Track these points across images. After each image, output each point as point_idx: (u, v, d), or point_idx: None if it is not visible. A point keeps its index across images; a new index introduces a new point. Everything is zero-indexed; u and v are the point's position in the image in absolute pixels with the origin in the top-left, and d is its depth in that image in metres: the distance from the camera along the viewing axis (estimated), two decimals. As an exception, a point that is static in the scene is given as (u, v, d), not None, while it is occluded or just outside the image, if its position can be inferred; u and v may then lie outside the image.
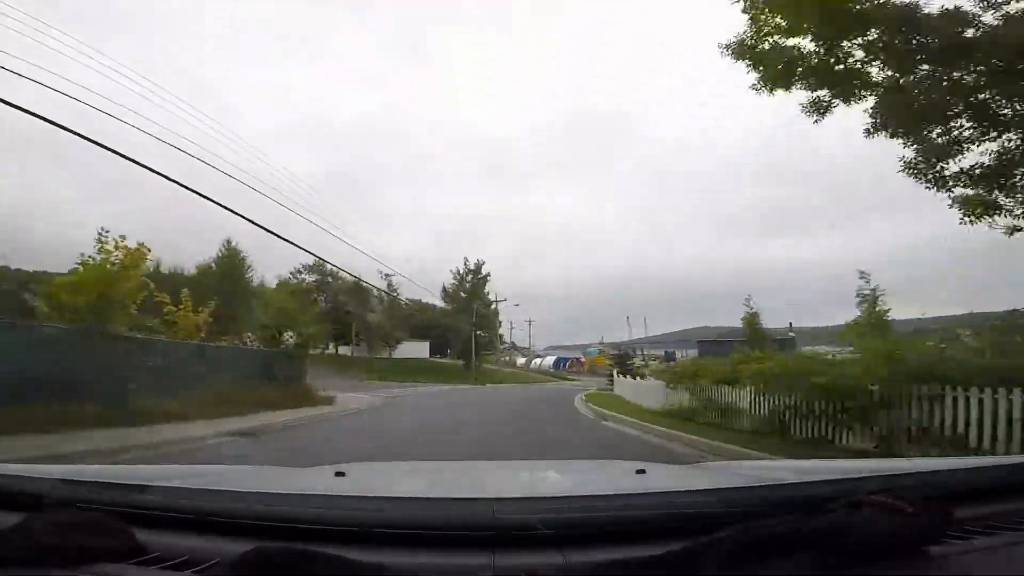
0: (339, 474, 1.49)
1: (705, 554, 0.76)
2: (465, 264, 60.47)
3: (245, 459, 6.35)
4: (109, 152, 11.32)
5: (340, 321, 47.60)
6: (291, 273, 47.85)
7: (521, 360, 79.14)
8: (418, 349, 59.30)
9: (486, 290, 59.56)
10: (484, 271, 59.46)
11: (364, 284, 45.43)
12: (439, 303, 60.66)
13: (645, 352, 78.08)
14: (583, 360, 79.67)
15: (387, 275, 45.20)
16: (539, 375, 63.31)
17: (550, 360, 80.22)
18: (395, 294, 50.01)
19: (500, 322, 62.34)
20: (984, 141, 7.36)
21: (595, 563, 0.80)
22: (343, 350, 53.53)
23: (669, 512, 1.00)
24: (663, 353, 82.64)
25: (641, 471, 1.58)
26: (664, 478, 1.69)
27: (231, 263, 36.94)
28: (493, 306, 58.79)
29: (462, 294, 58.10)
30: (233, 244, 37.67)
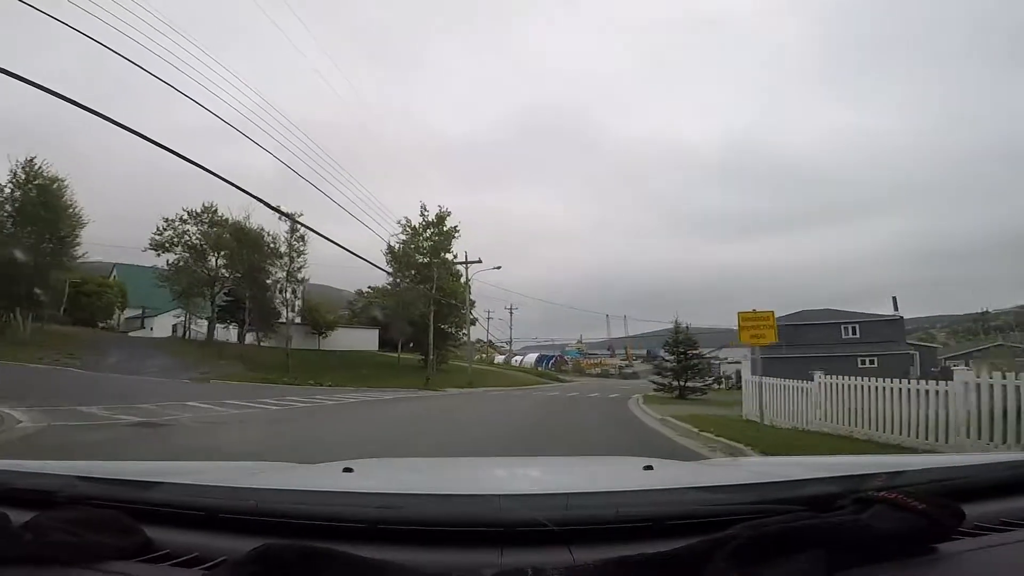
0: (347, 470, 1.46)
1: (714, 551, 0.74)
2: (423, 213, 39.47)
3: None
4: None
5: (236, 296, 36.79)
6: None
7: (499, 358, 73.68)
8: (363, 339, 45.80)
9: (452, 253, 38.51)
10: (451, 222, 42.76)
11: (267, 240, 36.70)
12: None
13: (627, 350, 76.94)
14: (567, 359, 75.98)
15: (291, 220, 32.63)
16: (524, 374, 54.40)
17: (532, 358, 74.67)
18: (299, 248, 37.01)
19: (472, 301, 41.52)
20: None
21: (603, 560, 0.78)
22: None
23: (677, 509, 0.99)
24: (646, 352, 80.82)
25: (649, 467, 1.54)
26: (672, 474, 1.65)
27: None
28: (465, 279, 37.13)
29: (419, 256, 37.46)
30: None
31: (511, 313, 63.76)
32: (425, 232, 39.27)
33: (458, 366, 38.21)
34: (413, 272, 38.55)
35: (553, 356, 75.82)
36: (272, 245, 33.74)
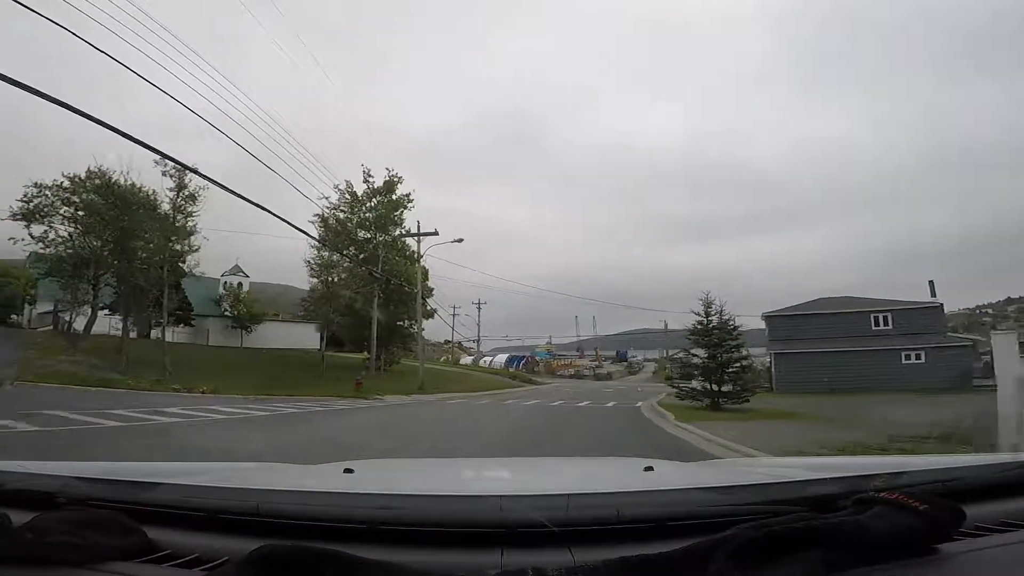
0: (348, 471, 1.49)
1: (715, 552, 0.77)
2: (366, 178, 30.08)
3: None
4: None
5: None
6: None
7: (467, 359, 69.77)
8: (304, 337, 38.42)
9: (403, 227, 28.99)
10: (402, 191, 30.29)
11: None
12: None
13: (597, 351, 75.64)
14: (538, 360, 72.43)
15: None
16: (493, 376, 48.21)
17: (502, 359, 70.62)
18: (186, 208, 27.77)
19: (430, 288, 32.58)
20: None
21: (603, 561, 0.81)
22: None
23: (678, 510, 1.03)
24: (616, 353, 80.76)
25: (649, 468, 1.57)
26: (672, 475, 1.69)
27: None
28: (417, 255, 27.53)
29: (361, 232, 28.00)
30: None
31: (479, 309, 55.25)
32: (369, 202, 30.04)
33: (415, 367, 33.11)
34: (353, 251, 29.26)
35: (524, 357, 72.57)
36: (160, 208, 26.97)
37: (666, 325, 74.72)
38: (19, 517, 0.87)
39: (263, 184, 20.95)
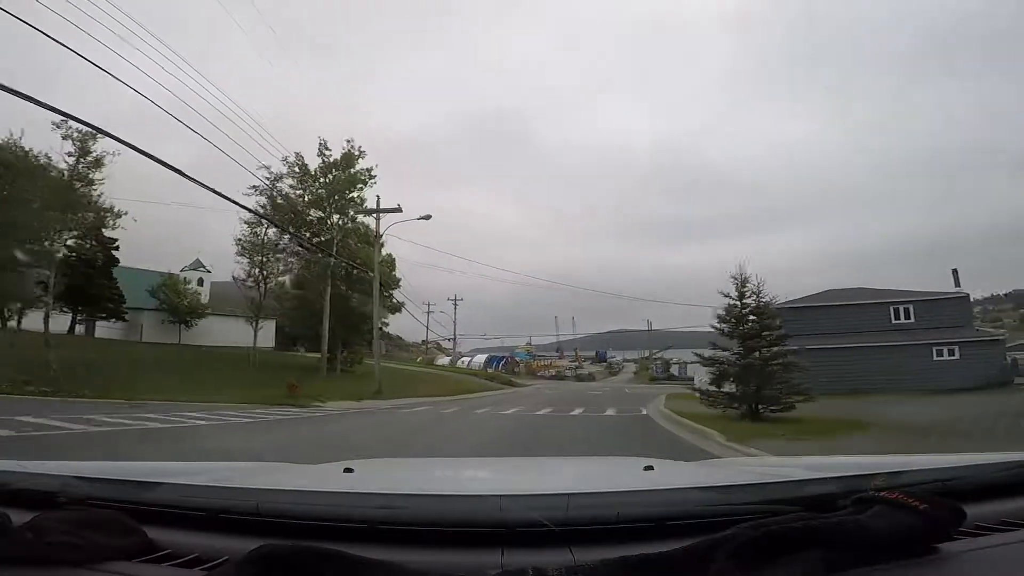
0: (348, 470, 1.47)
1: (714, 552, 0.78)
2: (321, 151, 24.67)
3: None
4: None
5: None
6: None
7: (444, 359, 66.21)
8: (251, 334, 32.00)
9: (360, 204, 23.68)
10: (363, 163, 24.96)
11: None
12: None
13: (577, 352, 74.55)
14: (518, 360, 69.66)
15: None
16: (471, 377, 43.39)
17: (480, 359, 68.23)
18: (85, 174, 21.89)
19: (398, 280, 27.55)
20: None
21: (603, 561, 0.82)
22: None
23: (677, 509, 1.04)
24: (595, 353, 79.10)
25: (649, 467, 1.56)
26: (672, 475, 1.69)
27: None
28: (376, 235, 22.27)
29: (314, 212, 22.67)
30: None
31: (455, 305, 50.77)
32: (324, 177, 25.20)
33: (384, 368, 28.84)
34: (307, 234, 24.48)
35: (504, 357, 70.47)
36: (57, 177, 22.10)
37: (650, 324, 71.66)
38: (19, 517, 0.88)
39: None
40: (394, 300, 34.29)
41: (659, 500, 1.11)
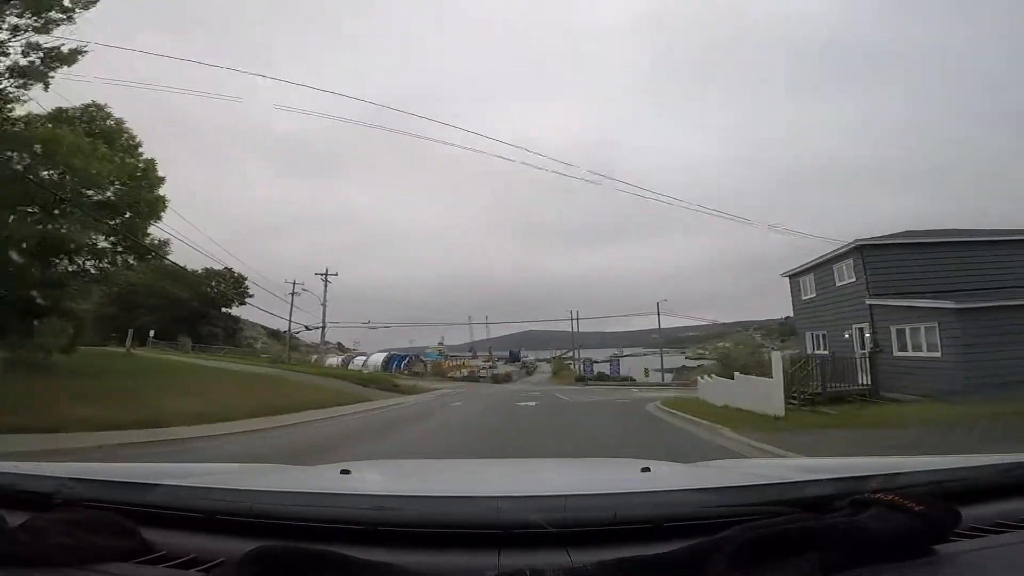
0: (344, 472, 1.43)
1: (711, 553, 0.78)
2: None
3: None
4: None
5: None
6: None
7: (335, 359, 56.73)
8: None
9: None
10: None
11: None
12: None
13: (490, 351, 71.96)
14: (425, 360, 64.06)
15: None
16: (341, 380, 28.58)
17: (378, 358, 58.38)
18: None
19: (161, 201, 12.27)
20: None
21: (600, 562, 0.81)
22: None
23: (675, 511, 1.03)
24: (508, 353, 78.36)
25: (646, 469, 1.54)
26: (669, 476, 1.66)
27: None
28: None
29: None
30: None
31: (326, 282, 37.46)
32: None
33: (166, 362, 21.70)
34: None
35: (406, 357, 64.13)
36: None
37: (576, 318, 63.16)
38: (14, 518, 0.87)
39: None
40: (151, 239, 18.24)
41: (656, 502, 1.09)
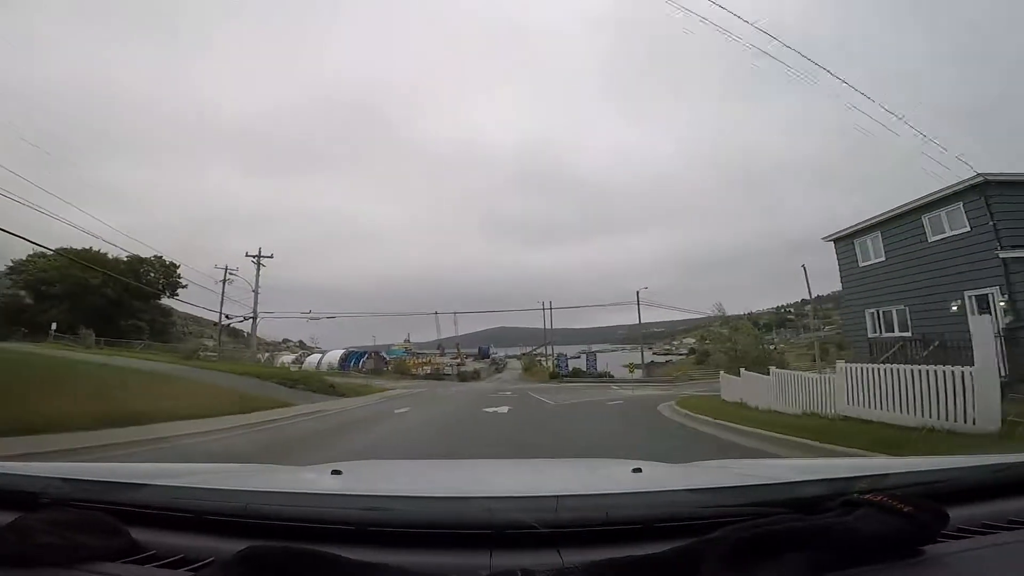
0: (335, 472, 1.40)
1: (702, 554, 0.77)
2: None
3: None
4: None
5: None
6: None
7: (286, 357, 53.08)
8: None
9: None
10: None
11: None
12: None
13: (458, 348, 68.31)
14: (387, 357, 59.67)
15: None
16: (258, 385, 19.91)
17: (336, 356, 53.69)
18: None
19: None
20: None
21: (591, 563, 0.80)
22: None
23: (666, 511, 1.02)
24: (478, 350, 75.83)
25: (637, 470, 1.51)
26: (661, 477, 1.63)
27: None
28: None
29: None
30: None
31: (258, 264, 30.71)
32: None
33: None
34: None
35: (364, 353, 59.01)
36: None
37: (549, 312, 58.74)
38: (3, 517, 0.85)
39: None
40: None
41: (647, 502, 1.08)
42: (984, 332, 7.68)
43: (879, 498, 0.84)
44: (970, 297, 13.73)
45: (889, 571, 0.79)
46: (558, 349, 57.35)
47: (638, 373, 45.50)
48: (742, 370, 15.08)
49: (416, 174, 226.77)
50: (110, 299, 39.20)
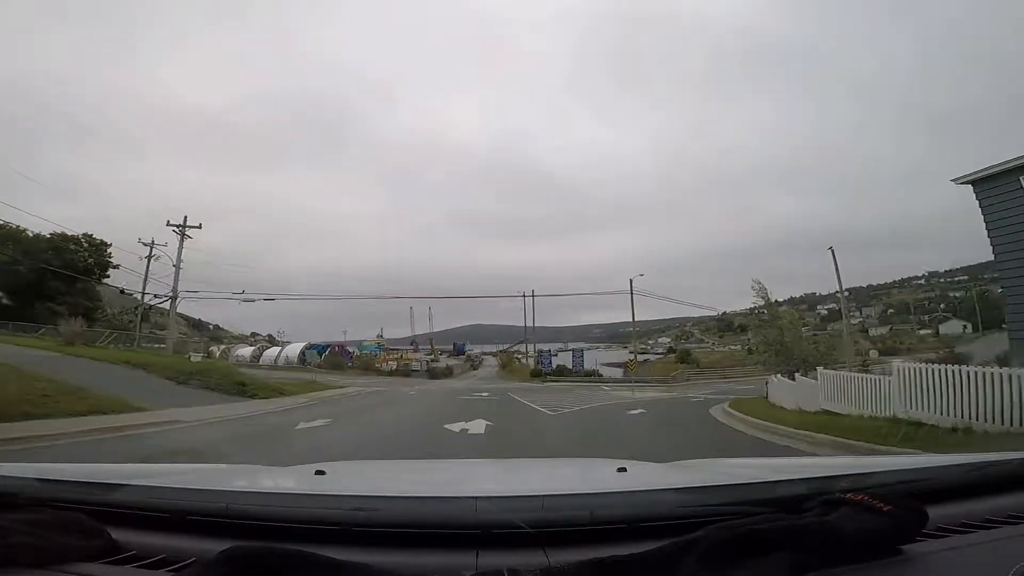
0: (319, 472, 1.38)
1: (684, 553, 0.78)
2: None
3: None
4: None
5: None
6: None
7: (244, 351, 51.63)
8: None
9: None
10: None
11: None
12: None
13: (432, 344, 67.75)
14: (352, 351, 56.98)
15: None
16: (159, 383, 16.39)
17: (295, 350, 50.67)
18: None
19: None
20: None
21: (577, 562, 0.81)
22: None
23: (650, 510, 1.03)
24: (452, 346, 75.59)
25: (622, 469, 1.51)
26: (645, 476, 1.64)
27: None
28: None
29: None
30: None
31: (182, 234, 25.57)
32: None
33: None
34: None
35: (327, 346, 56.28)
36: None
37: (532, 302, 54.86)
38: None
39: None
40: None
41: (632, 501, 1.08)
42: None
43: (860, 497, 0.84)
44: None
45: (869, 570, 0.79)
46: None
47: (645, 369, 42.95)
48: (797, 375, 13.66)
49: (391, 169, 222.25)
50: (25, 279, 34.55)
